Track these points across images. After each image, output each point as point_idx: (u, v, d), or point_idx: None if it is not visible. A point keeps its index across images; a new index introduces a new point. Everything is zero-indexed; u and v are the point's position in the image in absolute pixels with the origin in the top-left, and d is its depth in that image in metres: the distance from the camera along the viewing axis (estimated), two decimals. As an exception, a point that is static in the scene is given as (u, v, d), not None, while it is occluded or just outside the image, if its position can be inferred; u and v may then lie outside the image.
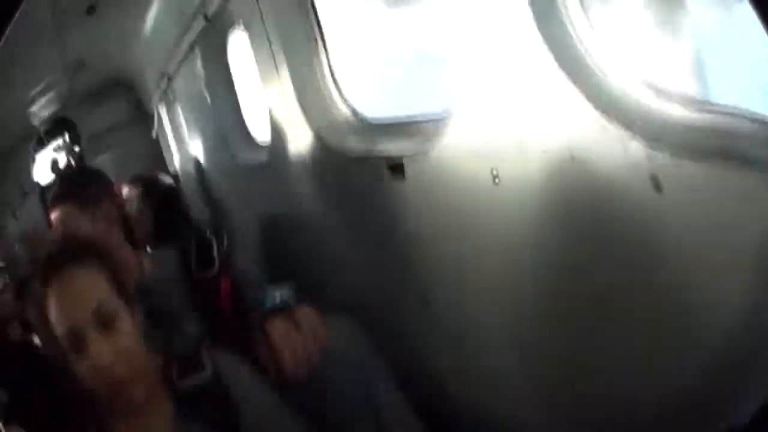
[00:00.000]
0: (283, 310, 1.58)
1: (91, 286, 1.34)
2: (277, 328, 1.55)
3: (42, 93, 3.53)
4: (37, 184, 3.84)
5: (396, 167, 1.60)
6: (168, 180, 3.47)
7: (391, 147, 1.67)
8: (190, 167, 3.74)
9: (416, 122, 1.62)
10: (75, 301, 1.32)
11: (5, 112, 3.51)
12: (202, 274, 2.09)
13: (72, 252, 1.38)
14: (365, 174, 1.77)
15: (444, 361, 1.78)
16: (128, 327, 1.36)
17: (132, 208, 2.86)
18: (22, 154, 3.80)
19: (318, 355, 1.53)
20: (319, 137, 2.02)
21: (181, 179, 3.88)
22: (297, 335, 1.53)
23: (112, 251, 1.45)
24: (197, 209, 3.62)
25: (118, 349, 1.32)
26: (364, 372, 1.62)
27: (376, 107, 1.94)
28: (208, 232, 2.19)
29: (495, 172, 1.38)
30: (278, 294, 1.61)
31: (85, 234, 1.78)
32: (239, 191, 3.20)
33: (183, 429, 1.42)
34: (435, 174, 1.51)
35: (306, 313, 1.58)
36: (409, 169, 1.55)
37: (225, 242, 2.15)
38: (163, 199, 3.04)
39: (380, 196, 1.72)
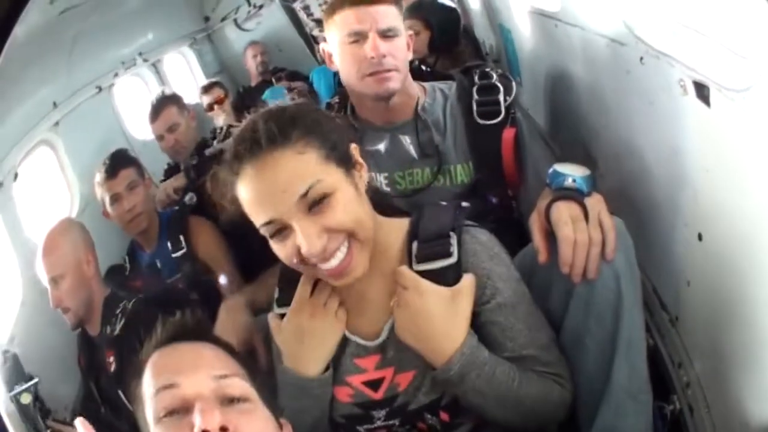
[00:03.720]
0: (575, 194, 1.41)
1: None
2: (563, 214, 1.39)
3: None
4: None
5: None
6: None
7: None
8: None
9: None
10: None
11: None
12: (486, 120, 1.84)
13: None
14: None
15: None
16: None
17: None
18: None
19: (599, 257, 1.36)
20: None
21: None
22: (584, 228, 1.37)
23: None
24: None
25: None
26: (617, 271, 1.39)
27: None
28: (492, 73, 1.90)
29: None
30: (572, 176, 1.44)
31: None
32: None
33: None
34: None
35: (597, 204, 1.41)
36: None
37: (513, 88, 1.86)
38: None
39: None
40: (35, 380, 1.71)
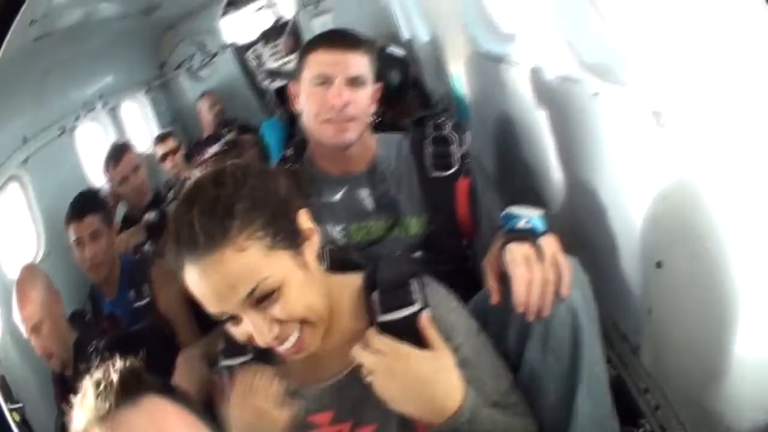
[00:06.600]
0: (528, 235, 1.40)
1: None
2: (517, 254, 1.37)
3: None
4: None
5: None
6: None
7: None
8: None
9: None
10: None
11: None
12: (439, 172, 1.87)
13: None
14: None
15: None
16: None
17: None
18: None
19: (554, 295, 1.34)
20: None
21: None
22: (538, 267, 1.36)
23: None
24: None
25: None
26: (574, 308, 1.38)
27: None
28: (445, 124, 1.92)
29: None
30: (525, 217, 1.44)
31: None
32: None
33: None
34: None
35: (551, 244, 1.39)
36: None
37: (466, 138, 1.89)
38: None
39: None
40: (20, 405, 1.67)
